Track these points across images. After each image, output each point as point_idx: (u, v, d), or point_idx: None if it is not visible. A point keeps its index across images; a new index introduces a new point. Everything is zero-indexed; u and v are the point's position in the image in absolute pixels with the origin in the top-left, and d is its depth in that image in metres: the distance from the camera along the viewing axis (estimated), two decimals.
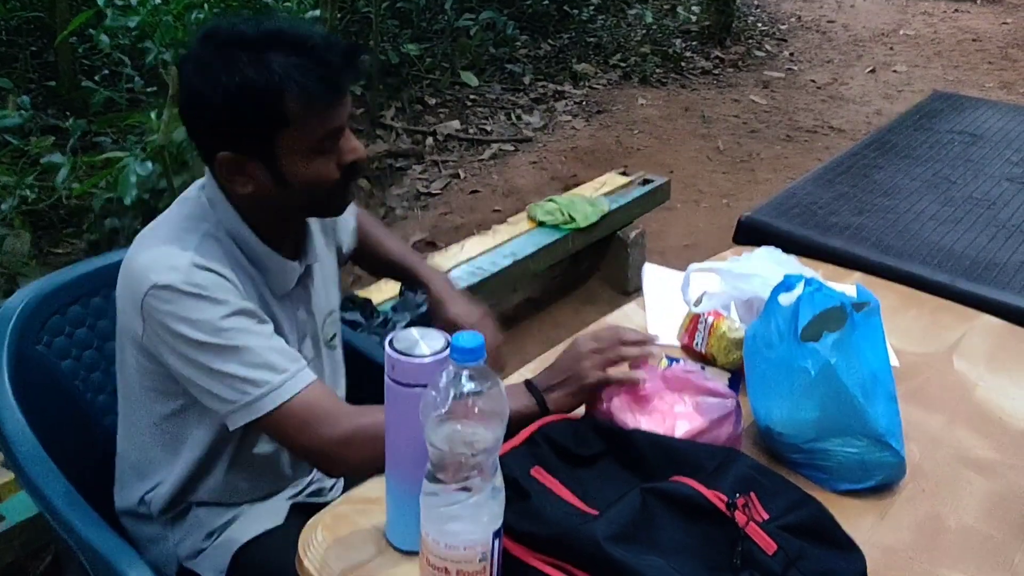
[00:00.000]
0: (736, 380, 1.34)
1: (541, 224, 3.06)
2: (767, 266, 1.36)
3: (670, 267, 1.69)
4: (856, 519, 1.09)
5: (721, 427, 1.16)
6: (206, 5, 4.12)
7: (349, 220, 1.49)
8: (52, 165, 3.14)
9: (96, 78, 3.89)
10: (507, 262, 2.83)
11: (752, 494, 1.01)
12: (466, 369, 0.84)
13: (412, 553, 0.96)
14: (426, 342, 0.92)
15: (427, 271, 1.53)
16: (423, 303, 2.24)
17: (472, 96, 5.05)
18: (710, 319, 1.39)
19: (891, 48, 6.62)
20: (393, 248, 1.56)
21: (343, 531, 1.03)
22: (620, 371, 1.18)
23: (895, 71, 6.09)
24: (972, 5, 7.90)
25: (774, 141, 4.84)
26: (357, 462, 1.14)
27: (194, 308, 1.12)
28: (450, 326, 1.40)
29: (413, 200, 4.01)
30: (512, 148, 4.58)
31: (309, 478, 1.41)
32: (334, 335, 1.42)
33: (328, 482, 1.43)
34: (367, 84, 4.70)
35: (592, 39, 6.06)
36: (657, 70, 5.76)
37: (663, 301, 1.55)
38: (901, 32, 7.04)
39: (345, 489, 1.35)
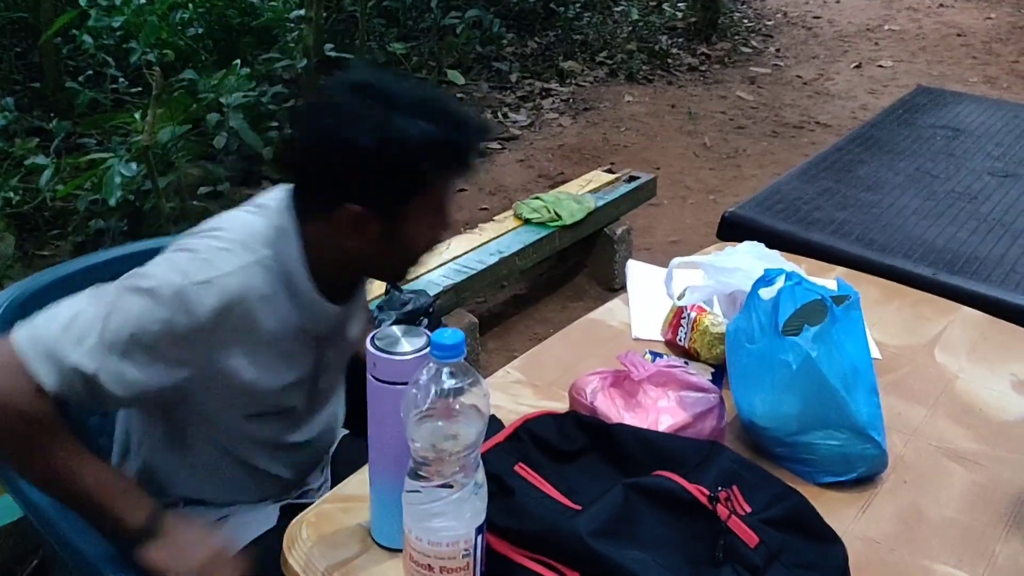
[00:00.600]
0: (719, 374, 1.35)
1: (528, 222, 3.07)
2: (750, 261, 1.37)
3: (656, 263, 1.70)
4: (838, 511, 1.10)
5: (704, 421, 1.16)
6: (191, 5, 4.12)
7: None
8: (36, 167, 3.13)
9: (80, 79, 3.88)
10: (494, 259, 2.84)
11: (734, 488, 1.02)
12: (447, 366, 0.85)
13: (397, 550, 0.96)
14: (407, 340, 0.93)
15: None
16: (409, 302, 2.24)
17: (459, 94, 5.05)
18: (693, 314, 1.39)
19: (876, 43, 6.65)
20: None
21: (327, 529, 1.03)
22: None
23: (880, 66, 6.11)
24: (956, 0, 7.93)
25: (760, 137, 4.85)
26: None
27: (153, 308, 1.09)
28: None
29: None
30: (499, 146, 4.58)
31: (302, 486, 1.41)
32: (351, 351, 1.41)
33: (316, 483, 1.43)
34: None
35: (578, 36, 6.06)
36: (643, 67, 5.77)
37: (647, 297, 1.56)
38: (886, 27, 7.06)
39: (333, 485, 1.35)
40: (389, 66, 4.98)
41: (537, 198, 3.19)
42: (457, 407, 0.84)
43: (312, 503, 1.11)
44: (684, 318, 1.41)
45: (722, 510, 0.96)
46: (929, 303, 1.63)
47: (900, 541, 1.08)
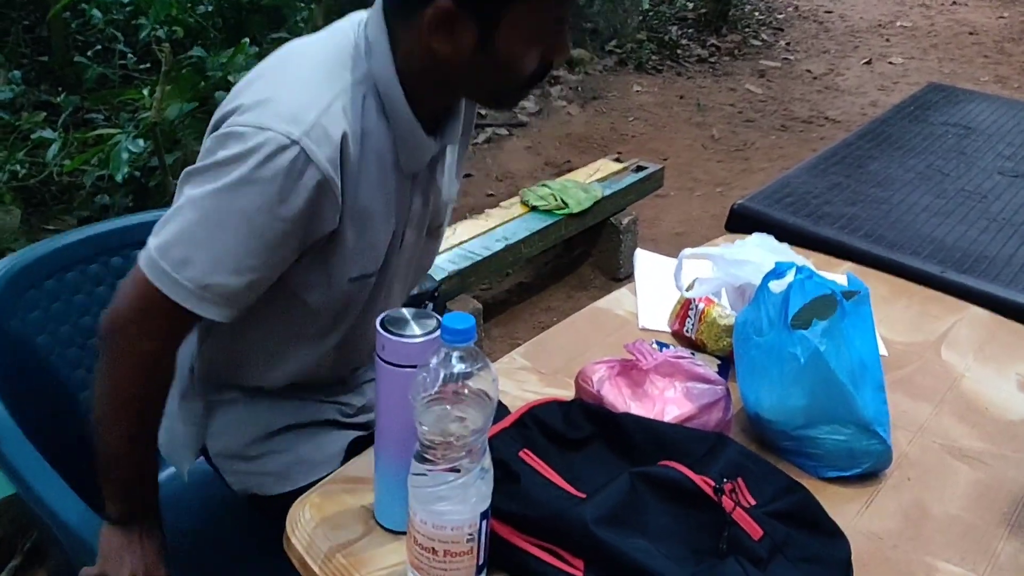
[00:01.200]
0: (726, 366, 1.35)
1: (534, 209, 3.06)
2: (759, 253, 1.36)
3: (662, 254, 1.69)
4: (842, 506, 1.10)
5: (711, 413, 1.16)
6: None
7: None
8: (43, 140, 3.13)
9: (89, 54, 3.86)
10: (499, 246, 2.83)
11: (740, 480, 1.02)
12: (456, 350, 0.84)
13: (400, 533, 0.96)
14: (417, 322, 0.92)
15: None
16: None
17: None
18: (701, 305, 1.39)
19: (888, 39, 6.62)
20: None
21: (331, 510, 1.03)
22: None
23: (891, 63, 6.09)
24: None
25: (769, 130, 4.84)
26: (107, 355, 1.10)
27: (257, 200, 1.02)
28: None
29: None
30: (506, 132, 4.57)
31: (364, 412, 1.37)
32: (442, 223, 1.35)
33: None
34: None
35: (588, 24, 6.03)
36: (653, 57, 5.75)
37: (654, 287, 1.55)
38: (898, 23, 7.03)
39: None
40: None
41: (544, 185, 3.18)
42: (466, 392, 0.84)
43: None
44: (692, 309, 1.40)
45: (727, 502, 0.96)
46: (937, 301, 1.62)
47: (903, 537, 1.08)
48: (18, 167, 3.12)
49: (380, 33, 1.09)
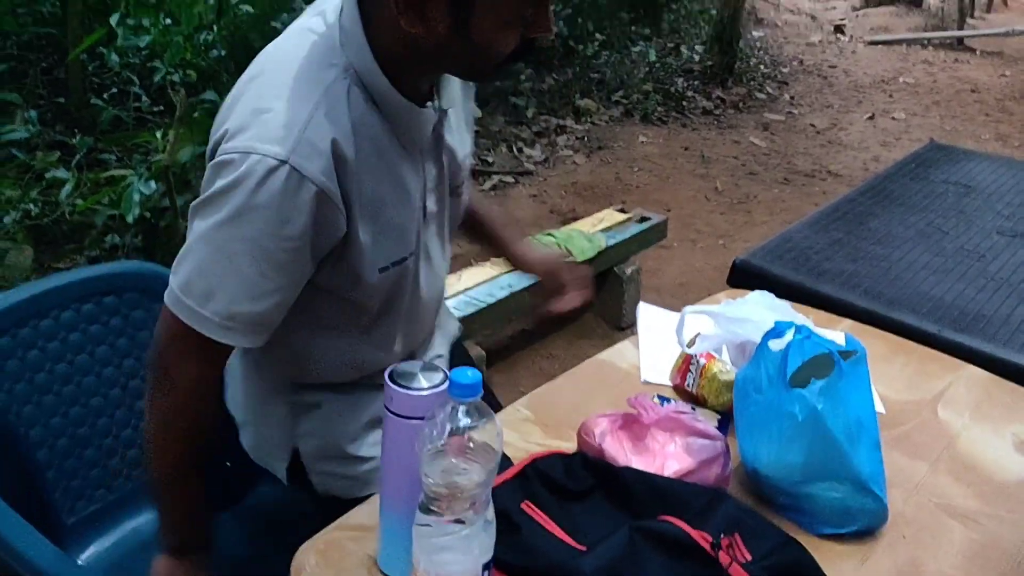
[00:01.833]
0: (726, 422, 1.37)
1: None
2: (760, 311, 1.39)
3: (665, 305, 1.72)
4: (838, 563, 1.11)
5: (710, 468, 1.18)
6: (215, 28, 4.19)
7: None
8: (57, 180, 3.18)
9: (105, 96, 3.93)
10: (504, 294, 2.86)
11: (736, 535, 1.03)
12: (463, 404, 0.87)
13: None
14: (425, 375, 0.95)
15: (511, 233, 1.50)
16: None
17: (475, 127, 5.10)
18: (702, 361, 1.41)
19: (890, 95, 6.71)
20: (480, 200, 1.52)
21: (335, 557, 1.05)
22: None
23: (894, 118, 6.17)
24: (972, 56, 8.01)
25: (772, 183, 4.89)
26: (155, 392, 1.16)
27: (260, 231, 1.04)
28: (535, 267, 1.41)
29: None
30: (512, 180, 4.63)
31: None
32: (462, 181, 1.34)
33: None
34: None
35: (596, 75, 6.13)
36: (659, 108, 5.83)
37: (656, 340, 1.58)
38: (901, 80, 7.13)
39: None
40: None
41: (549, 234, 3.22)
42: (471, 445, 0.86)
43: None
44: (693, 364, 1.43)
45: (724, 557, 0.97)
46: (934, 359, 1.64)
47: None
48: (31, 206, 3.17)
49: (354, 22, 1.08)
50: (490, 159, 4.84)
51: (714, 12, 6.77)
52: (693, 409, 1.29)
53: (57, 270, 3.15)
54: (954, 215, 2.43)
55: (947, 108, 6.47)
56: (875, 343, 1.65)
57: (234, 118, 1.07)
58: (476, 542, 0.88)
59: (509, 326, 3.30)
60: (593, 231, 3.31)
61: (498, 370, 3.06)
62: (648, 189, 4.71)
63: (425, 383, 0.94)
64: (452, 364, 1.48)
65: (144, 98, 4.01)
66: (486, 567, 0.90)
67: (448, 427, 0.86)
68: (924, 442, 1.40)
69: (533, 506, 1.06)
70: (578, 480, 1.12)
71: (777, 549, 1.05)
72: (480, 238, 1.57)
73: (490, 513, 0.89)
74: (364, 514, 1.11)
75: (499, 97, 5.53)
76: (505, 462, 1.14)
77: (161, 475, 1.19)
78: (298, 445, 1.34)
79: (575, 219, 3.68)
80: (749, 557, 1.02)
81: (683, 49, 6.89)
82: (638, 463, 1.16)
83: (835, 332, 1.54)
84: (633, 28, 6.81)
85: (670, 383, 1.47)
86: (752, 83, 6.61)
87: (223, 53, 4.22)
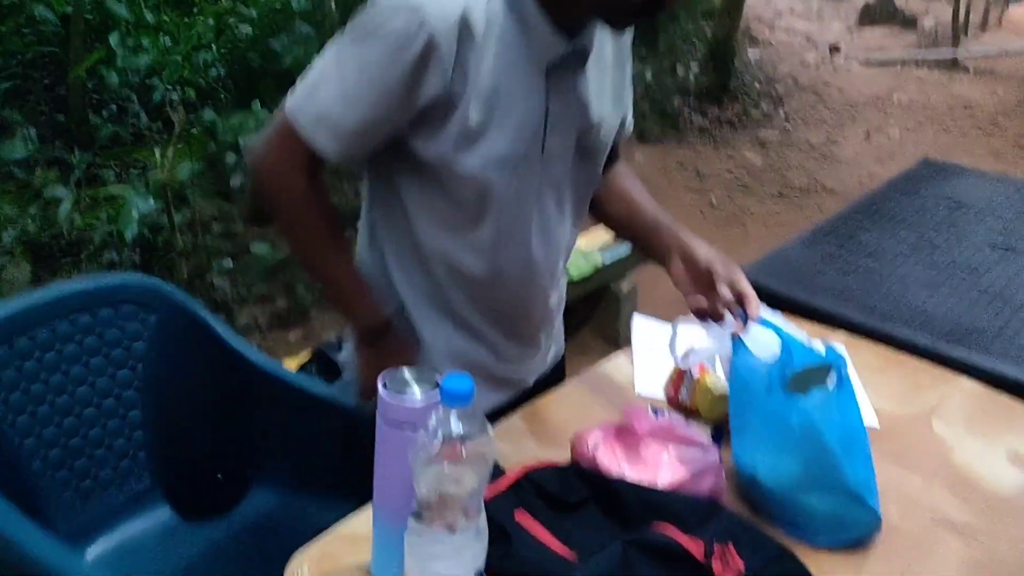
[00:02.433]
0: (719, 434, 1.37)
1: None
2: (754, 323, 1.39)
3: (661, 319, 1.72)
4: (832, 575, 1.11)
5: (703, 479, 1.18)
6: (214, 47, 4.22)
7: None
8: (55, 198, 3.19)
9: (103, 113, 3.95)
10: None
11: (730, 545, 1.03)
12: (456, 412, 0.87)
13: None
14: (418, 384, 0.95)
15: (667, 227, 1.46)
16: None
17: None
18: (695, 374, 1.42)
19: (885, 112, 6.75)
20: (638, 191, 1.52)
21: (329, 567, 1.05)
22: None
23: (888, 135, 6.20)
24: (965, 74, 8.06)
25: (766, 198, 4.91)
26: (258, 192, 1.31)
27: (385, 50, 1.15)
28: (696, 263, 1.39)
29: None
30: None
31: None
32: (596, 148, 1.37)
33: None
34: None
35: None
36: (655, 127, 5.86)
37: (651, 353, 1.58)
38: (895, 97, 7.18)
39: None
40: None
41: None
42: (463, 453, 0.86)
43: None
44: (686, 377, 1.43)
45: (717, 565, 0.98)
46: (928, 372, 1.65)
47: None
48: (30, 222, 3.18)
49: None
50: None
51: (710, 32, 6.81)
52: (687, 421, 1.30)
53: None
54: (946, 229, 2.44)
55: (941, 124, 6.51)
56: (868, 356, 1.66)
57: None
58: (468, 550, 0.88)
59: None
60: (590, 249, 3.32)
61: None
62: None
63: (419, 392, 0.94)
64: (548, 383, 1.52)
65: (143, 116, 4.03)
66: (479, 575, 0.90)
67: (440, 434, 0.86)
68: (919, 455, 1.40)
69: (527, 516, 1.06)
70: (572, 491, 1.12)
71: (772, 560, 1.05)
72: (630, 227, 1.51)
73: (482, 521, 0.89)
74: (357, 523, 1.11)
75: None
76: (498, 472, 1.15)
77: (316, 267, 1.34)
78: None
79: None
80: (742, 566, 1.02)
81: (679, 68, 6.93)
82: (632, 473, 1.16)
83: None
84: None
85: (664, 396, 1.48)
86: (747, 101, 6.65)
87: (222, 72, 4.25)
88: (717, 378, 1.41)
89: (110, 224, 3.06)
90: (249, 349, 1.58)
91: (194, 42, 4.02)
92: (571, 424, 1.32)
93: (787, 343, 1.22)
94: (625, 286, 3.37)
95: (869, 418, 1.46)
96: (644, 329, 1.68)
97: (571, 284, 3.04)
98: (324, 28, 4.01)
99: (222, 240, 3.68)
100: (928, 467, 1.37)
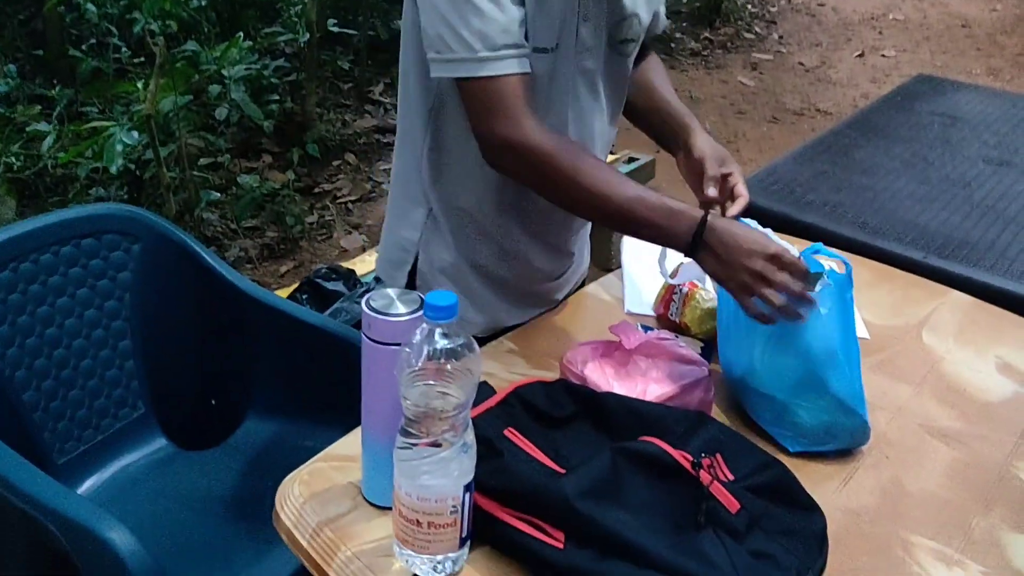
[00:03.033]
0: (709, 349, 1.37)
1: None
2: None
3: None
4: (821, 483, 1.12)
5: (692, 393, 1.19)
6: None
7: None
8: (38, 133, 3.14)
9: (83, 47, 3.87)
10: None
11: (718, 455, 1.04)
12: (440, 327, 0.87)
13: (387, 508, 0.98)
14: (402, 301, 0.95)
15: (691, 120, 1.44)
16: None
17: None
18: (685, 289, 1.41)
19: (880, 32, 6.64)
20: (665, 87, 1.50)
21: (319, 487, 1.06)
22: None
23: (883, 55, 6.11)
24: None
25: (760, 122, 4.86)
26: (511, 170, 1.23)
27: None
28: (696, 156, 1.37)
29: None
30: None
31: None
32: (628, 40, 1.35)
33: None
34: (356, 59, 4.69)
35: None
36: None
37: (641, 272, 1.58)
38: (890, 16, 7.05)
39: None
40: (392, 43, 4.98)
41: None
42: (449, 367, 0.86)
43: None
44: (676, 293, 1.43)
45: (705, 476, 0.98)
46: (919, 286, 1.65)
47: (880, 513, 1.10)
48: (13, 159, 3.14)
49: None
50: None
51: None
52: (676, 337, 1.30)
53: None
54: (939, 145, 2.42)
55: (938, 44, 6.41)
56: (860, 270, 1.64)
57: None
58: (455, 464, 0.88)
59: None
60: None
61: None
62: (635, 130, 4.67)
63: (403, 308, 0.94)
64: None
65: (124, 49, 3.95)
66: (467, 489, 0.90)
67: (425, 350, 0.86)
68: (908, 366, 1.41)
69: (516, 432, 1.06)
70: (560, 406, 1.12)
71: (759, 468, 1.05)
72: (647, 117, 1.51)
73: (469, 436, 0.89)
74: (348, 444, 1.11)
75: None
76: (488, 391, 1.15)
77: (613, 205, 1.19)
78: (419, 254, 1.38)
79: None
80: (731, 476, 1.03)
81: None
82: (620, 389, 1.16)
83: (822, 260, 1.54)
84: None
85: (654, 313, 1.47)
86: (740, 23, 6.54)
87: (204, 3, 4.15)
88: (707, 292, 1.41)
89: (95, 160, 3.02)
90: (236, 275, 1.58)
91: None
92: (561, 345, 1.32)
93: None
94: None
95: (860, 330, 1.46)
96: (634, 248, 1.67)
97: None
98: None
99: (209, 172, 3.65)
100: (917, 377, 1.38)
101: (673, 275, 1.41)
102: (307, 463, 1.11)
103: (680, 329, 1.42)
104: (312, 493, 1.05)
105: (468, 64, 1.16)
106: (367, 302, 0.95)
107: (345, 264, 2.52)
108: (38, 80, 3.80)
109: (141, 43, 3.84)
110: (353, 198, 3.85)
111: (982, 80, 5.62)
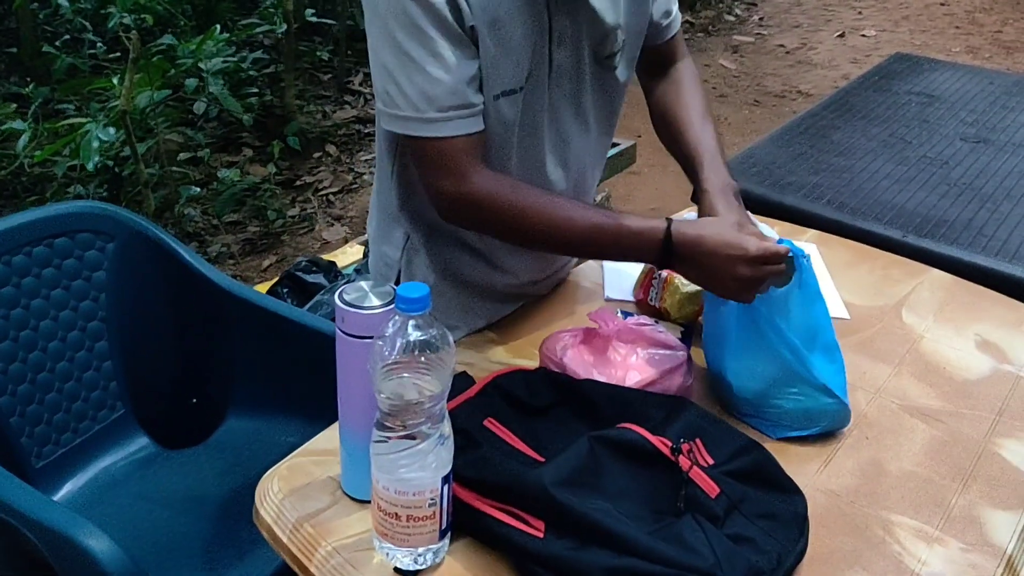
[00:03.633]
0: (688, 334, 1.37)
1: None
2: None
3: None
4: (801, 465, 1.12)
5: (672, 378, 1.18)
6: None
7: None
8: (13, 132, 3.11)
9: (58, 44, 3.84)
10: None
11: (698, 440, 1.04)
12: (413, 319, 0.86)
13: (366, 502, 0.98)
14: (375, 294, 0.94)
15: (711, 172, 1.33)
16: None
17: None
18: (664, 274, 1.41)
19: (860, 12, 6.64)
20: (694, 120, 1.43)
21: (299, 482, 1.05)
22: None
23: (863, 35, 6.11)
24: None
25: (742, 105, 4.86)
26: (464, 223, 1.22)
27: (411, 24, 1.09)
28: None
29: None
30: None
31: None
32: (614, 54, 1.30)
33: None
34: (335, 50, 4.66)
35: None
36: None
37: None
38: None
39: None
40: None
41: None
42: (423, 359, 0.86)
43: None
44: (655, 278, 1.42)
45: (684, 461, 0.98)
46: (898, 265, 1.65)
47: (860, 494, 1.11)
48: None
49: None
50: None
51: None
52: (656, 323, 1.29)
53: None
54: (917, 124, 2.42)
55: (917, 23, 6.42)
56: (839, 251, 1.66)
57: None
58: (432, 456, 0.88)
59: None
60: None
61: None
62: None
63: (376, 301, 0.93)
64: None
65: (99, 45, 3.92)
66: (445, 481, 0.90)
67: (399, 342, 0.86)
68: (888, 346, 1.41)
69: (496, 422, 1.06)
70: (540, 395, 1.12)
71: (739, 453, 1.06)
72: (674, 154, 1.45)
73: (446, 428, 0.89)
74: (327, 438, 1.11)
75: None
76: (468, 381, 1.15)
77: (564, 239, 1.19)
78: (401, 269, 1.36)
79: None
80: (711, 461, 1.03)
81: None
82: (600, 376, 1.16)
83: (802, 243, 1.54)
84: None
85: (633, 299, 1.47)
86: (721, 5, 6.52)
87: None
88: None
89: (72, 158, 2.99)
90: (213, 271, 1.56)
91: None
92: (541, 332, 1.32)
93: None
94: (599, 195, 3.35)
95: (839, 310, 1.46)
96: None
97: None
98: None
99: (189, 167, 3.63)
100: (897, 357, 1.38)
101: None
102: (286, 458, 1.10)
103: (660, 314, 1.42)
104: (292, 489, 1.04)
105: (413, 123, 1.13)
106: (340, 295, 0.94)
107: (327, 256, 2.51)
108: (12, 78, 3.77)
109: (116, 38, 3.81)
110: (334, 190, 3.83)
111: (962, 58, 5.62)
